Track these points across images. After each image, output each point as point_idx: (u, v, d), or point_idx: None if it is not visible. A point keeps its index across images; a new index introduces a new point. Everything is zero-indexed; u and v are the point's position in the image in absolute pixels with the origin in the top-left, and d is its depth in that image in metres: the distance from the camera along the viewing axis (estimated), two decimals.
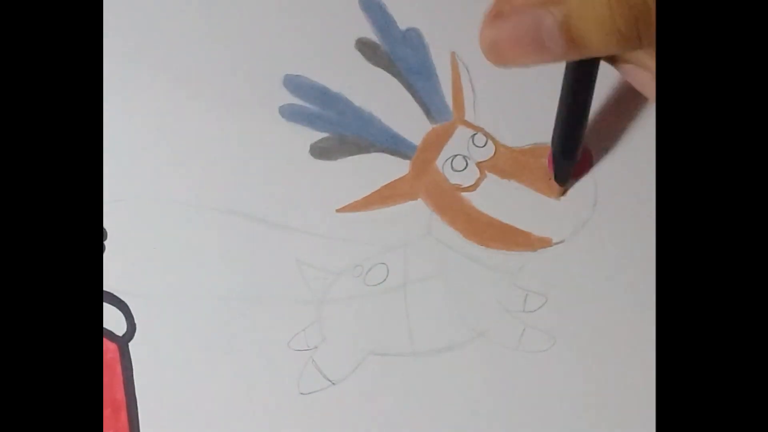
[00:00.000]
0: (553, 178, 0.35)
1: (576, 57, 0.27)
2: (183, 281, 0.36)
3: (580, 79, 0.30)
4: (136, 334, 0.35)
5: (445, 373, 0.34)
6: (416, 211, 0.36)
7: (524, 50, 0.26)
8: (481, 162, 0.36)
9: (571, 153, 0.33)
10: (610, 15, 0.24)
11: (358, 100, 0.37)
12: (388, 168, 0.36)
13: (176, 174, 0.37)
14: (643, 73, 0.28)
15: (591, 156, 0.36)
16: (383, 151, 0.37)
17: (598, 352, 0.33)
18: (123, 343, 0.35)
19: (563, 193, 0.35)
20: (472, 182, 0.36)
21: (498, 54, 0.26)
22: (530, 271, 0.35)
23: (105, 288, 0.35)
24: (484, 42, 0.26)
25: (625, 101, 0.36)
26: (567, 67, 0.30)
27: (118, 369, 0.35)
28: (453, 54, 0.37)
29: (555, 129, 0.33)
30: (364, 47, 0.38)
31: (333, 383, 0.34)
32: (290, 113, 0.37)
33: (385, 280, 0.35)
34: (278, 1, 0.39)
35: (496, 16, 0.26)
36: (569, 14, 0.25)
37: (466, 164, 0.36)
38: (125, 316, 0.35)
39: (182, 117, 0.38)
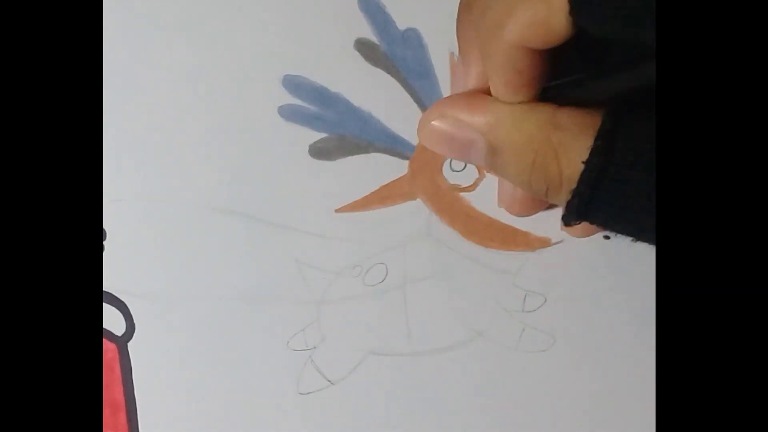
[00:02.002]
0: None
1: (494, 175, 0.32)
2: (182, 281, 0.36)
3: None
4: (135, 334, 0.35)
5: (445, 373, 0.34)
6: (415, 211, 0.36)
7: (452, 153, 0.30)
8: None
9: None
10: (528, 172, 0.28)
11: (357, 101, 0.37)
12: (388, 168, 0.36)
13: (176, 174, 0.37)
14: (503, 182, 0.33)
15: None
16: (382, 151, 0.37)
17: (598, 352, 0.34)
18: (122, 343, 0.35)
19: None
20: (471, 182, 0.36)
21: (429, 141, 0.30)
22: (529, 271, 0.35)
23: (104, 288, 0.35)
24: (422, 129, 0.30)
25: None
26: None
27: (117, 369, 0.35)
28: (452, 54, 0.37)
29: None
30: (364, 47, 0.38)
31: (332, 383, 0.34)
32: (289, 113, 0.37)
33: (384, 280, 0.35)
34: (278, 1, 0.39)
35: (441, 113, 0.30)
36: (498, 150, 0.28)
37: (465, 165, 0.36)
38: (124, 316, 0.35)
39: (182, 117, 0.38)
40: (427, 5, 0.38)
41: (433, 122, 0.30)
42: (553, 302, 0.34)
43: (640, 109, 0.26)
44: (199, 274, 0.36)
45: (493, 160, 0.29)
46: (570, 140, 0.27)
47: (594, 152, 0.26)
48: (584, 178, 0.26)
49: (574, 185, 0.27)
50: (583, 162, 0.26)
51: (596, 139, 0.26)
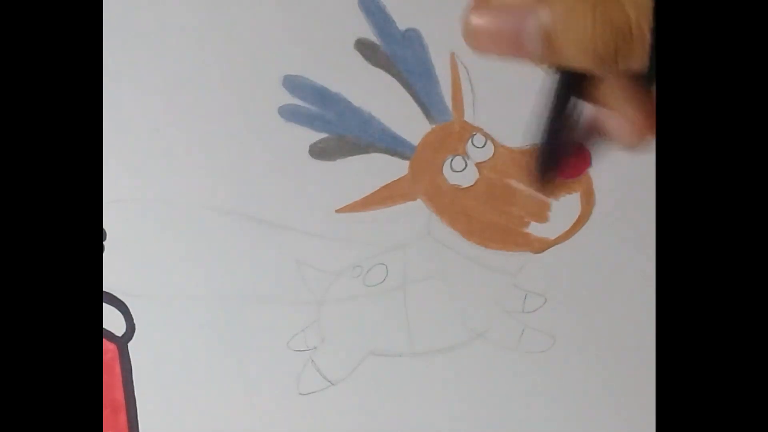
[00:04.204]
0: (537, 187, 0.34)
1: (550, 64, 0.27)
2: (182, 281, 0.36)
3: (559, 87, 0.31)
4: (135, 335, 0.35)
5: (445, 373, 0.34)
6: (415, 211, 0.36)
7: (502, 43, 0.26)
8: (480, 162, 0.36)
9: (553, 162, 0.33)
10: (591, 32, 0.24)
11: (357, 101, 0.37)
12: (388, 168, 0.36)
13: (176, 174, 0.37)
14: (615, 117, 0.28)
15: (590, 154, 0.36)
16: (382, 151, 0.37)
17: (598, 352, 0.34)
18: (122, 343, 0.35)
19: (553, 191, 0.35)
20: (471, 182, 0.36)
21: (477, 41, 0.27)
22: (530, 272, 0.35)
23: (104, 288, 0.35)
24: (466, 26, 0.27)
25: None
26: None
27: (118, 369, 0.35)
28: (452, 54, 0.37)
29: (538, 141, 0.33)
30: (364, 48, 0.38)
31: (332, 383, 0.34)
32: (290, 114, 0.37)
33: (384, 280, 0.35)
34: (278, 1, 0.39)
35: (483, 3, 0.26)
36: (552, 21, 0.25)
37: (466, 165, 0.36)
38: (124, 316, 0.35)
39: (182, 117, 0.38)
40: (428, 5, 0.38)
41: (475, 17, 0.27)
42: (553, 303, 0.34)
43: None
44: (199, 274, 0.36)
45: (549, 35, 0.25)
46: None
47: None
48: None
49: (646, 28, 0.24)
50: None
51: None
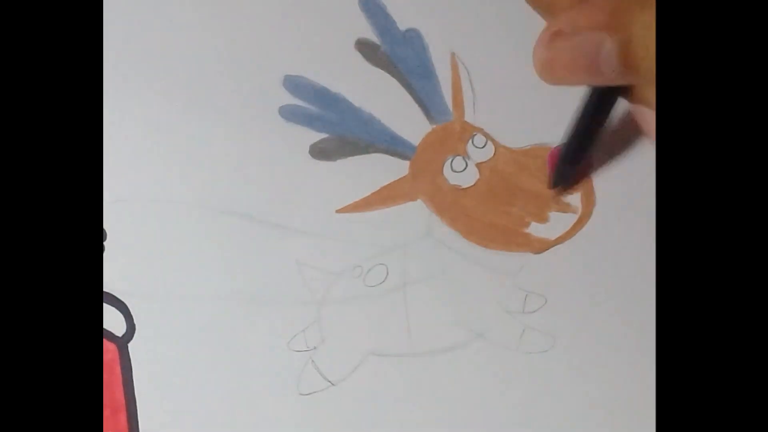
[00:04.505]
0: (552, 182, 0.35)
1: (628, 82, 0.27)
2: (182, 282, 0.35)
3: (603, 101, 0.31)
4: (135, 335, 0.35)
5: (445, 374, 0.34)
6: (416, 211, 0.36)
7: (579, 71, 0.26)
8: (480, 162, 0.36)
9: (578, 159, 0.33)
10: None
11: (357, 101, 0.37)
12: (388, 169, 0.36)
13: (176, 174, 0.37)
14: (651, 114, 0.28)
15: (591, 162, 0.35)
16: (383, 151, 0.37)
17: (598, 353, 0.34)
18: (122, 343, 0.35)
19: (559, 197, 0.35)
20: (471, 183, 0.36)
21: (551, 73, 0.27)
22: (530, 272, 0.35)
23: (104, 288, 0.35)
24: (538, 60, 0.27)
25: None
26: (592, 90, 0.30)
27: (118, 370, 0.35)
28: (453, 54, 0.37)
29: (567, 138, 0.33)
30: (364, 48, 0.38)
31: (332, 384, 0.34)
32: (290, 114, 0.37)
33: (384, 280, 0.35)
34: (278, 1, 0.39)
35: (555, 34, 0.26)
36: (630, 40, 0.25)
37: (466, 165, 0.36)
38: (124, 316, 0.35)
39: (182, 117, 0.38)
40: (428, 5, 0.38)
41: (550, 46, 0.26)
42: (554, 303, 0.34)
43: None
44: (199, 274, 0.36)
45: (627, 55, 0.25)
46: None
47: None
48: None
49: None
50: None
51: None
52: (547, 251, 0.35)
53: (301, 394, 0.34)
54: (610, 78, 0.26)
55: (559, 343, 0.34)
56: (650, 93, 0.27)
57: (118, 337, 0.35)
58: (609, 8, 0.25)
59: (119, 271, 0.36)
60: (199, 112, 0.38)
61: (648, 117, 0.29)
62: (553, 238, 0.35)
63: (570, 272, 0.35)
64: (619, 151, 0.35)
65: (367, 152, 0.37)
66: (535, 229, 0.35)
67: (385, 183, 0.36)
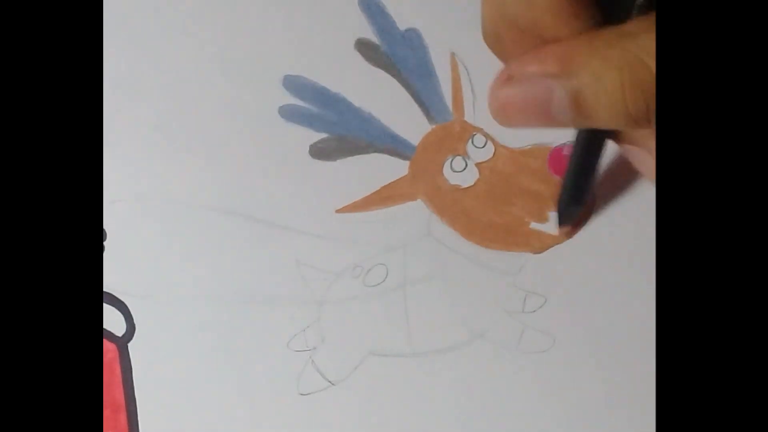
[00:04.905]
0: (558, 222, 0.34)
1: (583, 127, 0.27)
2: (182, 282, 0.36)
3: (591, 143, 0.31)
4: (135, 335, 0.35)
5: (445, 373, 0.34)
6: (416, 211, 0.36)
7: (532, 116, 0.26)
8: (480, 162, 0.36)
9: (580, 199, 0.33)
10: (621, 96, 0.24)
11: (357, 101, 0.37)
12: (388, 168, 0.36)
13: (176, 174, 0.37)
14: (644, 155, 0.28)
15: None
16: (383, 151, 0.37)
17: (598, 353, 0.34)
18: (122, 343, 0.35)
19: (570, 235, 0.35)
20: (471, 183, 0.36)
21: (506, 116, 0.27)
22: (530, 272, 0.35)
23: (104, 288, 0.35)
24: (492, 104, 0.27)
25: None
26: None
27: (118, 369, 0.35)
28: (453, 54, 0.37)
29: (564, 179, 0.33)
30: (364, 47, 0.38)
31: (332, 384, 0.34)
32: (290, 114, 0.37)
33: (384, 280, 0.35)
34: (278, 1, 0.39)
35: (507, 79, 0.26)
36: (580, 89, 0.25)
37: (466, 165, 0.36)
38: (124, 316, 0.35)
39: (182, 117, 0.38)
40: (428, 5, 0.38)
41: (502, 92, 0.26)
42: (554, 303, 0.34)
43: None
44: (199, 274, 0.36)
45: (579, 103, 0.25)
46: (650, 40, 0.24)
47: None
48: None
49: None
50: None
51: None
52: (546, 251, 0.35)
53: (301, 394, 0.34)
54: (565, 123, 0.26)
55: (559, 343, 0.34)
56: (636, 134, 0.27)
57: (118, 337, 0.35)
58: (558, 56, 0.25)
59: (119, 271, 0.36)
60: (199, 112, 0.38)
61: (639, 156, 0.29)
62: (552, 239, 0.35)
63: (570, 272, 0.35)
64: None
65: (367, 152, 0.37)
66: (535, 229, 0.35)
67: (385, 183, 0.36)
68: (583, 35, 0.25)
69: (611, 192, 0.35)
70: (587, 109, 0.25)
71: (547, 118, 0.26)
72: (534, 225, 0.35)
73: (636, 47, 0.24)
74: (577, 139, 0.31)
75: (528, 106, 0.26)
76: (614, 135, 0.29)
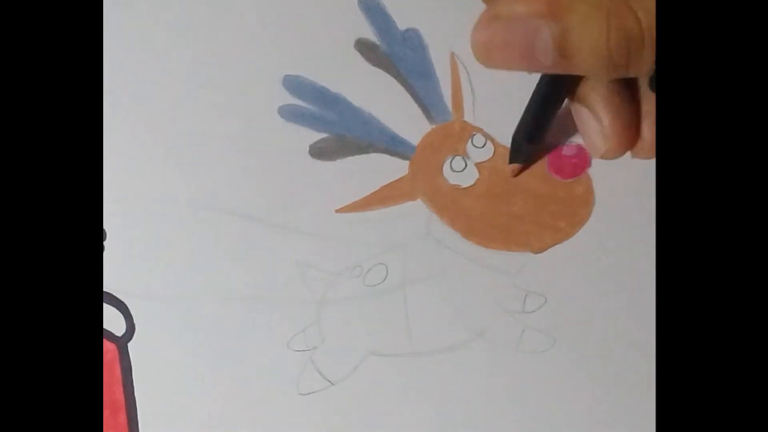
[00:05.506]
0: (509, 158, 0.35)
1: (563, 71, 0.27)
2: (182, 282, 0.36)
3: (552, 89, 0.31)
4: (135, 335, 0.35)
5: (445, 373, 0.34)
6: (415, 211, 0.36)
7: (514, 56, 0.26)
8: (480, 162, 0.36)
9: (534, 137, 0.34)
10: (606, 40, 0.24)
11: (357, 101, 0.37)
12: (388, 168, 0.36)
13: (176, 174, 0.37)
14: (590, 119, 0.29)
15: (589, 155, 0.35)
16: (382, 151, 0.37)
17: (598, 353, 0.34)
18: (122, 343, 0.35)
19: (518, 172, 0.35)
20: (471, 183, 0.36)
21: (487, 55, 0.27)
22: (530, 272, 0.35)
23: (104, 288, 0.35)
24: (475, 42, 0.27)
25: None
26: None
27: (117, 369, 0.35)
28: (452, 54, 0.37)
29: (522, 117, 0.33)
30: (364, 48, 0.38)
31: (332, 384, 0.34)
32: (289, 114, 0.37)
33: (384, 280, 0.35)
34: (278, 1, 0.39)
35: (492, 18, 0.26)
36: (566, 30, 0.25)
37: (466, 165, 0.36)
38: (124, 316, 0.35)
39: (182, 117, 0.38)
40: (427, 5, 0.38)
41: (486, 29, 0.26)
42: (554, 303, 0.34)
43: None
44: (199, 274, 0.36)
45: (563, 44, 0.25)
46: None
47: None
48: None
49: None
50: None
51: None
52: (546, 251, 0.35)
53: (301, 394, 0.34)
54: (547, 66, 0.26)
55: (559, 343, 0.34)
56: (592, 94, 0.27)
57: (118, 337, 0.35)
58: None
59: (119, 271, 0.36)
60: (199, 112, 0.38)
61: (583, 116, 0.29)
62: (552, 238, 0.35)
63: (569, 272, 0.35)
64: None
65: (367, 152, 0.37)
66: (535, 229, 0.35)
67: (385, 183, 0.36)
68: None
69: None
70: (571, 52, 0.25)
71: (529, 59, 0.26)
72: (534, 225, 0.35)
73: None
74: (540, 82, 0.31)
75: (512, 45, 0.26)
76: (571, 90, 0.28)
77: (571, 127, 0.35)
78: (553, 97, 0.32)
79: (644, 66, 0.25)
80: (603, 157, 0.31)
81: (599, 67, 0.25)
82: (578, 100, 0.29)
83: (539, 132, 0.34)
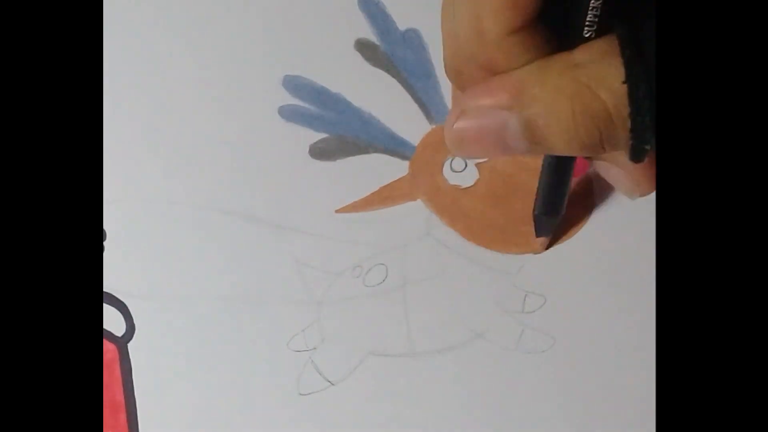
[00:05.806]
0: (535, 233, 0.34)
1: (539, 155, 0.27)
2: (182, 282, 0.36)
3: (561, 158, 0.31)
4: (135, 335, 0.35)
5: (444, 373, 0.34)
6: (415, 211, 0.36)
7: (488, 147, 0.27)
8: (480, 163, 0.36)
9: (553, 210, 0.33)
10: (573, 124, 0.25)
11: (357, 101, 0.37)
12: (388, 169, 0.36)
13: (176, 174, 0.37)
14: (615, 170, 0.29)
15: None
16: (382, 151, 0.37)
17: (598, 353, 0.34)
18: (122, 343, 0.35)
19: (547, 246, 0.35)
20: (471, 183, 0.36)
21: (463, 149, 0.27)
22: (529, 272, 0.35)
23: (104, 288, 0.35)
24: (449, 137, 0.27)
25: None
26: None
27: (117, 370, 0.35)
28: None
29: (538, 190, 0.33)
30: (364, 48, 0.38)
31: (332, 384, 0.34)
32: (290, 114, 0.37)
33: (384, 280, 0.35)
34: (278, 1, 0.39)
35: (461, 113, 0.27)
36: (532, 119, 0.25)
37: (466, 165, 0.36)
38: (124, 316, 0.35)
39: (182, 117, 0.38)
40: (428, 5, 0.38)
41: (456, 125, 0.27)
42: (553, 303, 0.34)
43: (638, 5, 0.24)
44: (199, 274, 0.36)
45: (532, 132, 0.26)
46: (598, 70, 0.24)
47: (629, 63, 0.24)
48: (634, 93, 0.24)
49: (624, 112, 0.24)
50: (623, 82, 0.24)
51: (623, 51, 0.24)
52: (546, 251, 0.35)
53: (301, 394, 0.34)
54: (521, 152, 0.27)
55: (559, 343, 0.34)
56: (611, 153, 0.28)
57: (118, 337, 0.35)
58: (509, 88, 0.26)
59: (119, 271, 0.36)
60: (199, 112, 0.38)
61: (611, 171, 0.29)
62: (552, 238, 0.35)
63: (569, 272, 0.35)
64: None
65: (367, 152, 0.37)
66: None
67: (385, 183, 0.36)
68: (533, 65, 0.25)
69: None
70: (541, 138, 0.26)
71: (503, 147, 0.27)
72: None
73: (585, 77, 0.24)
74: (545, 157, 0.32)
75: (483, 137, 0.27)
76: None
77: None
78: (561, 167, 0.32)
79: (620, 142, 0.25)
80: (640, 197, 0.32)
81: (572, 150, 0.26)
82: (598, 158, 0.29)
83: (557, 204, 0.33)
